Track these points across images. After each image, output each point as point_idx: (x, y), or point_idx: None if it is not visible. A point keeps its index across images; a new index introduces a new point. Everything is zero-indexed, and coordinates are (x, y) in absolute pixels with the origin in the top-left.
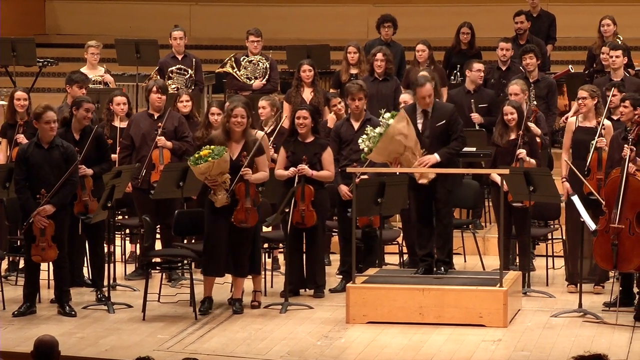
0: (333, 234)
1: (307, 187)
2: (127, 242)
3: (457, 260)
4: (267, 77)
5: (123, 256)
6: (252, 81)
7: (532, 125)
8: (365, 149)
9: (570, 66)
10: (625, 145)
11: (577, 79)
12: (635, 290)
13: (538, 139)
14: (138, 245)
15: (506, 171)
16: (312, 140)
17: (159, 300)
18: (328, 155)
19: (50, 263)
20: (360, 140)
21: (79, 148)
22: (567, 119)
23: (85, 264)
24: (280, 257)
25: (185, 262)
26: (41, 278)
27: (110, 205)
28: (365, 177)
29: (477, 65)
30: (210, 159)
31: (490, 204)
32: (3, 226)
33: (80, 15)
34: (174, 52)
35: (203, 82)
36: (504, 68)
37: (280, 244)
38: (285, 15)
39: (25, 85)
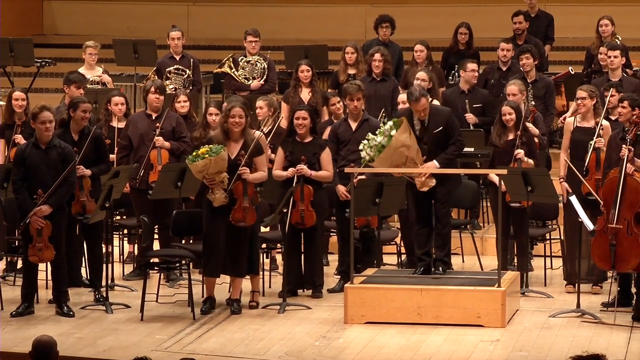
0: (331, 234)
1: (307, 187)
2: (125, 243)
3: (455, 261)
4: (265, 77)
5: (121, 256)
6: (250, 81)
7: (530, 125)
8: (367, 157)
9: (570, 68)
10: (623, 146)
11: (575, 80)
12: (633, 290)
13: (536, 139)
14: (136, 246)
15: (504, 171)
16: (311, 141)
17: (157, 301)
18: (327, 156)
19: (48, 263)
20: (360, 147)
21: (78, 149)
22: (565, 119)
23: (83, 265)
24: (278, 257)
25: (184, 262)
26: (39, 278)
27: (108, 206)
28: (363, 177)
29: (471, 66)
30: (207, 156)
31: (488, 204)
32: (1, 226)
33: (78, 15)
34: (172, 53)
35: (201, 82)
36: (504, 69)
37: (279, 244)
38: (283, 16)
39: (23, 86)
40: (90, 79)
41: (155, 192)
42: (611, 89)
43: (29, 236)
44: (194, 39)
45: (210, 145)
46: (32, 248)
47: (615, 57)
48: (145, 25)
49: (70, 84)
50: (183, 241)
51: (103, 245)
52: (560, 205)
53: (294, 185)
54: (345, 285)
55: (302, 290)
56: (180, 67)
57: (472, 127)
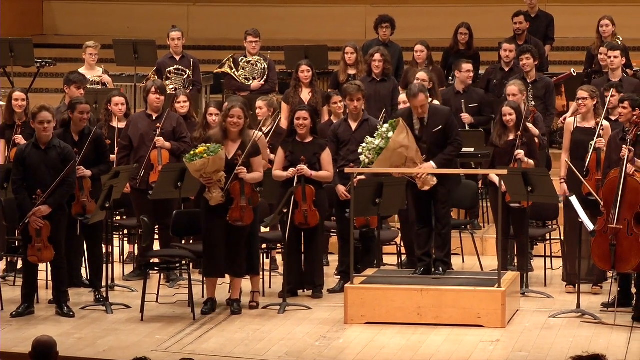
0: (331, 234)
1: (308, 187)
2: (125, 243)
3: (456, 261)
4: (265, 77)
5: (121, 257)
6: (251, 82)
7: (530, 125)
8: (366, 160)
9: (572, 69)
10: (624, 146)
11: (576, 80)
12: (633, 290)
13: (536, 140)
14: (136, 246)
15: (504, 172)
16: (311, 141)
17: (157, 301)
18: (327, 156)
19: (48, 263)
20: (360, 150)
21: (78, 149)
22: (565, 119)
23: (84, 265)
24: (279, 257)
25: (184, 262)
26: (39, 279)
27: (108, 206)
28: (363, 177)
29: (466, 66)
30: (205, 155)
31: (488, 204)
32: (1, 227)
33: (78, 15)
34: (172, 53)
35: (201, 82)
36: (507, 69)
37: (279, 245)
38: (283, 16)
39: (24, 86)
40: (91, 79)
41: (155, 192)
42: (611, 89)
43: (28, 236)
44: (194, 39)
45: (208, 145)
46: (32, 248)
47: (615, 57)
48: (145, 25)
49: (70, 84)
50: (183, 241)
51: (103, 246)
52: (561, 205)
53: (294, 185)
54: (346, 285)
55: (302, 291)
56: (180, 67)
57: (467, 127)
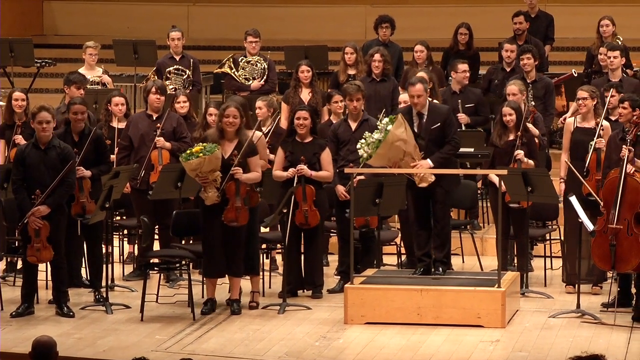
0: (331, 234)
1: (309, 187)
2: (125, 243)
3: (455, 261)
4: (265, 77)
5: (121, 257)
6: (250, 82)
7: (530, 125)
8: (365, 155)
9: (573, 70)
10: (624, 146)
11: (576, 80)
12: (633, 290)
13: (536, 140)
14: (136, 246)
15: (504, 172)
16: (311, 141)
17: (157, 301)
18: (327, 156)
19: (48, 264)
20: (358, 146)
21: (78, 149)
22: (565, 119)
23: (83, 265)
24: (278, 257)
25: (184, 262)
26: (39, 279)
27: (108, 206)
28: (362, 177)
29: (462, 67)
30: (201, 155)
31: (488, 204)
32: (1, 227)
33: (78, 15)
34: (172, 53)
35: (201, 82)
36: (508, 69)
37: (279, 245)
38: (283, 16)
39: (23, 86)
40: (91, 80)
41: (155, 192)
42: (611, 89)
43: (27, 236)
44: (194, 40)
45: (204, 144)
46: (31, 248)
47: (615, 57)
48: (145, 25)
49: (70, 84)
50: (183, 241)
51: (103, 246)
52: (560, 205)
53: (294, 185)
54: (345, 285)
55: (302, 291)
56: (180, 67)
57: (464, 127)
